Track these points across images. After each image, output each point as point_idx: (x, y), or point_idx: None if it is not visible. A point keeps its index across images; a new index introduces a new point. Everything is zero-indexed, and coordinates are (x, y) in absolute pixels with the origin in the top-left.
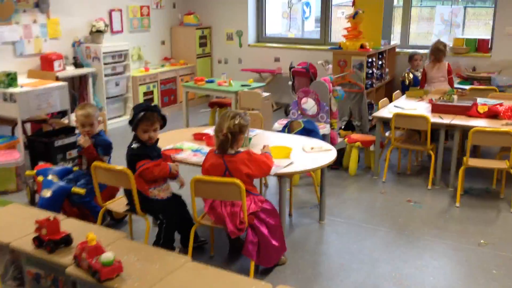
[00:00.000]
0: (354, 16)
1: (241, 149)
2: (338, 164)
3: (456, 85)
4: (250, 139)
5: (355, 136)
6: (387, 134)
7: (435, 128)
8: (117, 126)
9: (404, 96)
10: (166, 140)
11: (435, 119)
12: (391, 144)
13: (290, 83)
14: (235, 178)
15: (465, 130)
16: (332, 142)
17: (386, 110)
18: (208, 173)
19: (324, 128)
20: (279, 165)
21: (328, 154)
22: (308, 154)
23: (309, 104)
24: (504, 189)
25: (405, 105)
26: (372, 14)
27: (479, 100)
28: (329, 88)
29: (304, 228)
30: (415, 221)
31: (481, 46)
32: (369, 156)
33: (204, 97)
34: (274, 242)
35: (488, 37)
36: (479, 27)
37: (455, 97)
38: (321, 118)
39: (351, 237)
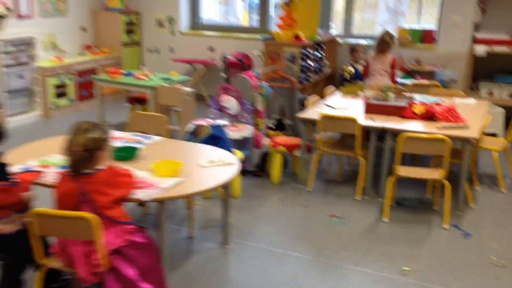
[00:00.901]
0: (288, 3)
1: (102, 166)
2: (261, 170)
3: (400, 79)
4: (134, 150)
5: (280, 139)
6: (316, 136)
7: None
8: (21, 124)
9: (339, 92)
10: (33, 152)
11: (366, 121)
12: (319, 148)
13: (223, 75)
14: (84, 212)
15: (396, 134)
16: (257, 144)
17: (314, 110)
18: (60, 204)
19: (245, 130)
20: (159, 186)
21: (229, 170)
22: (204, 169)
23: (230, 102)
24: (439, 200)
25: (338, 103)
26: (308, 1)
27: (418, 98)
28: (253, 84)
29: (203, 254)
30: (335, 242)
31: (426, 37)
32: (296, 162)
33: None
34: (145, 287)
35: (434, 26)
36: (425, 16)
37: (391, 94)
38: (243, 118)
39: (255, 267)
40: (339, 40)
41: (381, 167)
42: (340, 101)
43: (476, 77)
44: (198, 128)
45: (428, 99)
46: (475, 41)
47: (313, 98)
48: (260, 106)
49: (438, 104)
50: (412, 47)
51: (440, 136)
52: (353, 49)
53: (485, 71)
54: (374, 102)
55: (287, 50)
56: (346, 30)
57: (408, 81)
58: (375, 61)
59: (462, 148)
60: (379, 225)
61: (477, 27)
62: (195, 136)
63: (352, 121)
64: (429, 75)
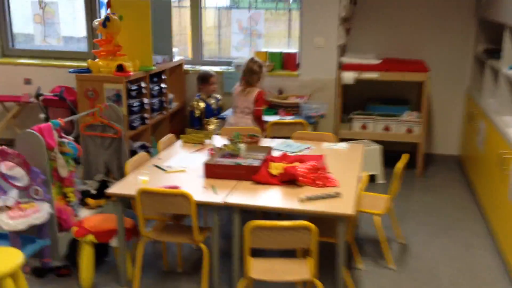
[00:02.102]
0: (104, 23)
1: None
2: (71, 265)
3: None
4: None
5: (90, 221)
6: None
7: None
8: None
9: (180, 141)
10: None
11: (205, 192)
12: (143, 235)
13: (42, 116)
14: None
15: (246, 212)
16: (64, 225)
17: (135, 177)
18: None
19: (36, 214)
20: None
21: None
22: None
23: (17, 171)
24: None
25: (175, 160)
26: (136, 20)
27: (279, 145)
28: (48, 143)
29: None
30: None
31: (288, 61)
32: (117, 252)
33: None
34: None
35: (296, 50)
36: (285, 38)
37: (243, 146)
38: (35, 193)
39: None
40: (187, 67)
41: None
42: (179, 156)
43: (346, 108)
44: None
45: (292, 146)
46: (342, 67)
47: (137, 159)
48: (64, 171)
49: (301, 158)
50: (272, 75)
51: (303, 224)
52: (203, 78)
53: (356, 101)
54: (217, 161)
55: (109, 87)
56: (195, 54)
57: (271, 118)
58: (239, 95)
59: (334, 223)
60: None
61: (342, 50)
62: None
63: (184, 197)
64: (294, 108)
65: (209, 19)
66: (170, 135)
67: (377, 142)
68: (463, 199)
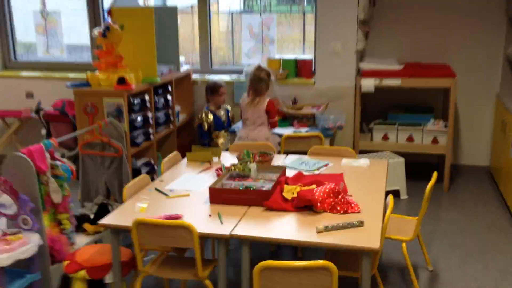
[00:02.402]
0: (104, 33)
1: None
2: None
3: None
4: None
5: (84, 253)
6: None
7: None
8: None
9: (186, 159)
10: None
11: (211, 222)
12: (140, 270)
13: (43, 132)
14: None
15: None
16: (57, 257)
17: (132, 204)
18: None
19: (23, 247)
20: None
21: None
22: None
23: (4, 198)
24: None
25: (179, 182)
26: (139, 29)
27: (294, 163)
28: (39, 167)
29: None
30: None
31: (302, 68)
32: None
33: None
34: None
35: (311, 56)
36: (300, 44)
37: (254, 166)
38: (24, 223)
39: None
40: (196, 77)
41: None
42: (183, 178)
43: (366, 117)
44: None
45: (308, 163)
46: (361, 73)
47: (135, 182)
48: (57, 197)
49: (319, 179)
50: (286, 83)
51: (320, 264)
52: (212, 89)
53: (376, 109)
54: (224, 184)
55: (109, 102)
56: (203, 63)
57: (286, 130)
58: (248, 106)
59: (357, 256)
60: None
61: (361, 55)
62: None
63: (186, 229)
64: (310, 119)
65: (219, 24)
66: (174, 153)
67: (400, 154)
68: (497, 217)
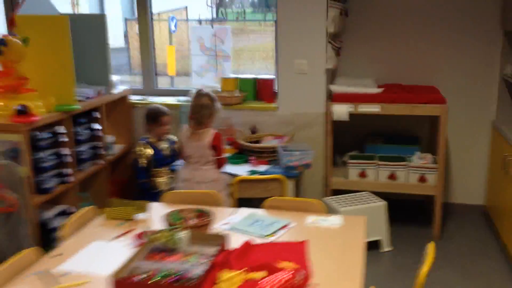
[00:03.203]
0: None
1: None
2: None
3: (226, 168)
4: None
5: None
6: None
7: None
8: None
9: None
10: None
11: None
12: None
13: None
14: None
15: None
16: None
17: None
18: None
19: None
20: None
21: None
22: None
23: None
24: None
25: (81, 258)
26: (50, 42)
27: (243, 223)
28: None
29: None
30: None
31: (263, 90)
32: None
33: None
34: None
35: (273, 75)
36: (259, 59)
37: (183, 236)
38: None
39: None
40: (134, 99)
41: None
42: (89, 249)
43: (339, 147)
44: None
45: (262, 223)
46: (332, 97)
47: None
48: None
49: (271, 259)
50: (243, 108)
51: None
52: (151, 117)
53: (352, 138)
54: (137, 269)
55: (2, 139)
56: (146, 83)
57: (240, 168)
58: (189, 140)
59: None
60: None
61: (332, 75)
62: None
63: None
64: (271, 154)
65: (164, 35)
66: (86, 209)
67: (381, 194)
68: (501, 276)
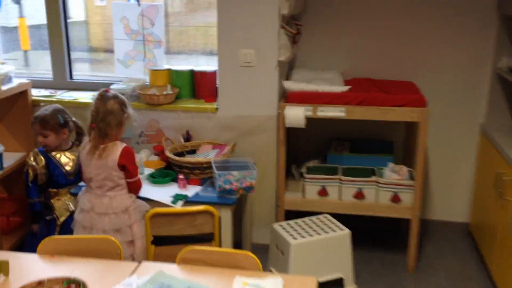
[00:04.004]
0: None
1: None
2: None
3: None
4: None
5: None
6: None
7: None
8: None
9: None
10: None
11: None
12: None
13: None
14: None
15: None
16: None
17: None
18: None
19: None
20: None
21: None
22: None
23: None
24: None
25: None
26: None
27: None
28: None
29: None
30: None
31: (202, 86)
32: None
33: None
34: None
35: (216, 66)
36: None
37: None
38: None
39: None
40: (39, 94)
41: None
42: None
43: (295, 155)
44: None
45: (172, 287)
46: (286, 97)
47: None
48: None
49: None
50: (174, 108)
51: None
52: (40, 118)
53: (310, 144)
54: None
55: None
56: (57, 72)
57: (164, 192)
58: (89, 159)
59: None
60: None
61: (289, 67)
62: None
63: None
64: (205, 171)
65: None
66: None
67: (344, 217)
68: None
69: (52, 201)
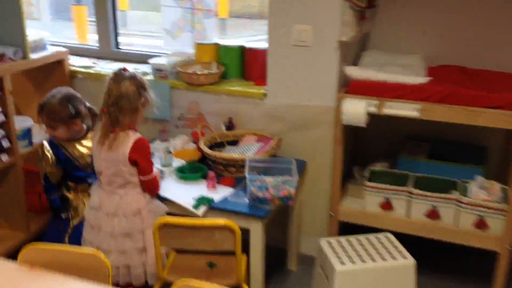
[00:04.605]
0: None
1: None
2: None
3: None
4: None
5: None
6: None
7: None
8: None
9: None
10: None
11: None
12: None
13: None
14: None
15: None
16: None
17: None
18: None
19: None
20: None
21: None
22: None
23: None
24: None
25: None
26: None
27: None
28: None
29: None
30: None
31: (253, 66)
32: None
33: None
34: None
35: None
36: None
37: None
38: None
39: None
40: (78, 65)
41: None
42: None
43: (360, 155)
44: None
45: None
46: (348, 86)
47: None
48: None
49: None
50: (218, 91)
51: None
52: (47, 109)
53: (379, 142)
54: None
55: None
56: (103, 40)
57: (186, 195)
58: (99, 150)
59: None
60: None
61: (360, 49)
62: None
63: None
64: (240, 169)
65: None
66: None
67: (411, 240)
68: None
69: (70, 196)
